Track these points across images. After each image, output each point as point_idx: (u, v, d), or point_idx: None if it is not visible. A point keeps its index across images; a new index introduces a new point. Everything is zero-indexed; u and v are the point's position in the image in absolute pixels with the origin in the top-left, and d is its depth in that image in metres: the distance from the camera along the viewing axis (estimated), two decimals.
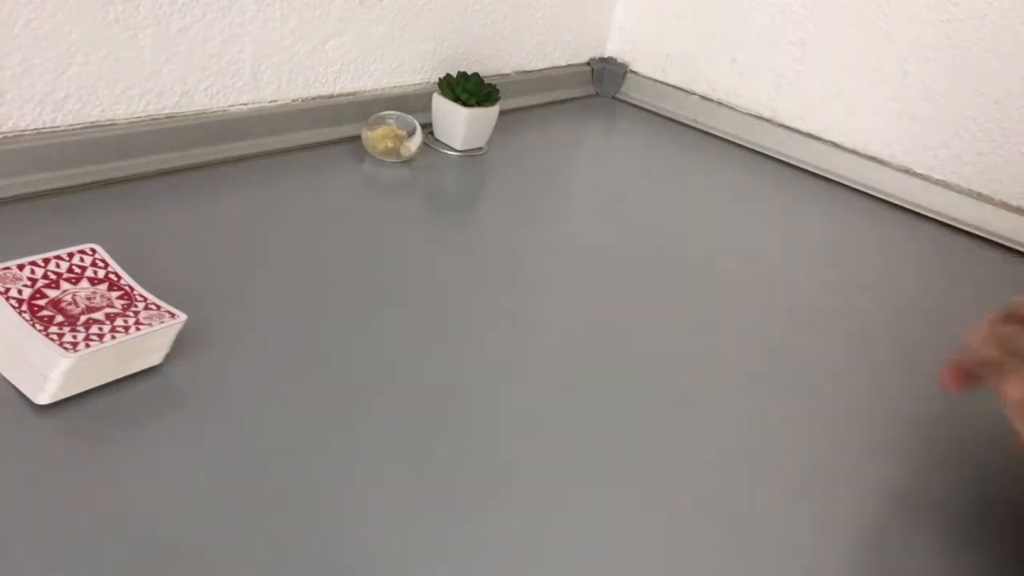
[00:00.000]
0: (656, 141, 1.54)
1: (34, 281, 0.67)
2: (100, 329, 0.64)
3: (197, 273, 0.82)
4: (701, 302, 0.99)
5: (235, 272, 0.84)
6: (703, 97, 1.61)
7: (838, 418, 0.82)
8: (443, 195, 1.16)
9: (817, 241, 1.24)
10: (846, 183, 1.45)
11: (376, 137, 1.16)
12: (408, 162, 1.19)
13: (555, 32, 1.57)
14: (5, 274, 0.66)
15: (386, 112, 1.18)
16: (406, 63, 1.29)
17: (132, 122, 0.98)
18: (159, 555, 0.52)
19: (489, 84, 1.25)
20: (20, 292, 0.65)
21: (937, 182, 1.37)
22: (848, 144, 1.46)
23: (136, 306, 0.68)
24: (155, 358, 0.68)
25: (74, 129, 0.93)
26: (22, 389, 0.62)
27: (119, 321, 0.66)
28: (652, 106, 1.68)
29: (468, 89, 1.22)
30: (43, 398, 0.61)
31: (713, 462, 0.72)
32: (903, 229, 1.34)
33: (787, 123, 1.52)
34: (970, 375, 0.70)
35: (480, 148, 1.29)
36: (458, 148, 1.26)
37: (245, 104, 1.09)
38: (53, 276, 0.68)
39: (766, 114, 1.54)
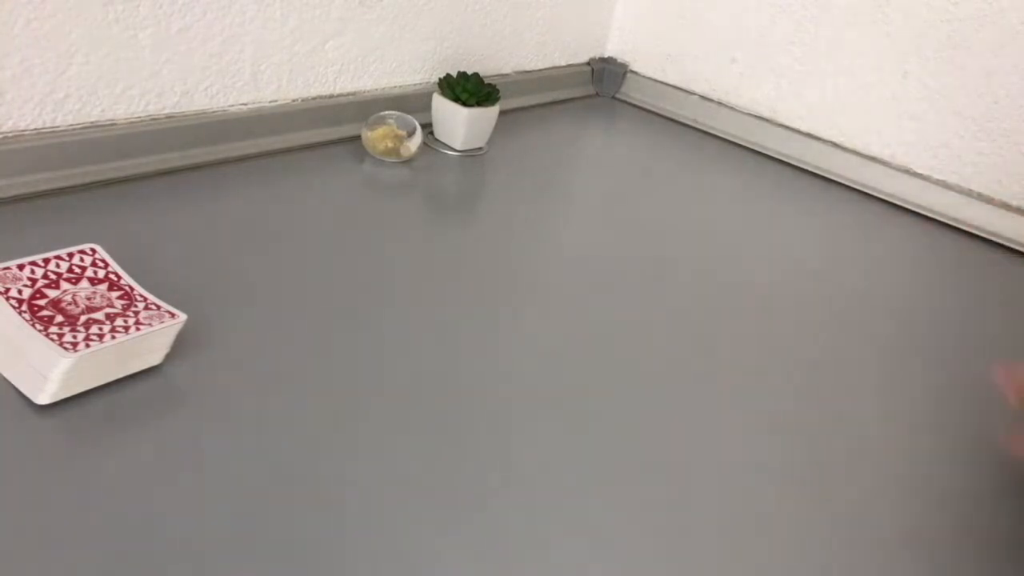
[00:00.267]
0: (656, 141, 1.54)
1: (34, 281, 0.67)
2: (100, 329, 0.64)
3: (197, 273, 0.82)
4: (701, 302, 0.99)
5: (235, 272, 0.84)
6: (703, 97, 1.61)
7: (838, 417, 0.82)
8: (443, 195, 1.16)
9: (817, 241, 1.24)
10: (846, 183, 1.45)
11: (376, 137, 1.16)
12: (408, 162, 1.19)
13: (555, 32, 1.57)
14: (5, 274, 0.66)
15: (386, 112, 1.18)
16: (406, 63, 1.29)
17: (132, 122, 0.98)
18: (159, 554, 0.52)
19: (489, 84, 1.25)
20: (20, 292, 0.65)
21: (937, 182, 1.37)
22: (848, 144, 1.46)
23: (136, 306, 0.68)
24: (155, 358, 0.68)
25: (74, 129, 0.93)
26: (22, 389, 0.62)
27: (119, 321, 0.66)
28: (652, 106, 1.68)
29: (468, 89, 1.22)
30: (43, 398, 0.61)
31: (713, 461, 0.72)
32: (903, 229, 1.34)
33: (787, 123, 1.52)
34: None
35: (480, 148, 1.29)
36: (458, 148, 1.26)
37: (245, 104, 1.09)
38: (53, 276, 0.68)
39: (766, 114, 1.54)
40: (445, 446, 0.67)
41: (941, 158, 1.37)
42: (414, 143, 1.17)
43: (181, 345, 0.69)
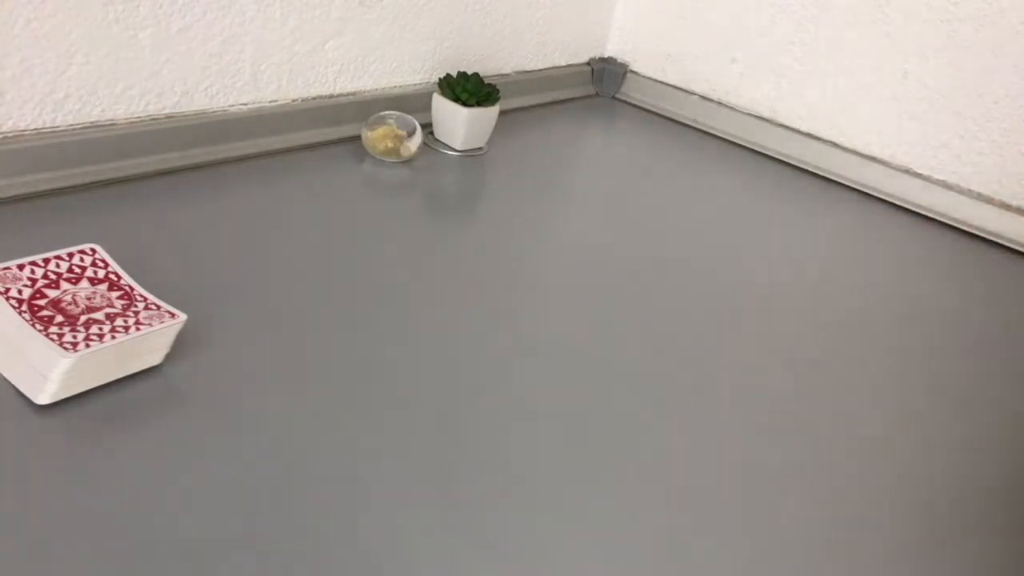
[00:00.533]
0: (656, 141, 1.54)
1: (34, 281, 0.67)
2: (100, 329, 0.64)
3: (197, 273, 0.82)
4: (701, 301, 0.99)
5: (235, 272, 0.84)
6: (703, 97, 1.61)
7: (838, 416, 0.82)
8: (443, 195, 1.16)
9: (816, 241, 1.24)
10: (846, 183, 1.45)
11: (376, 137, 1.16)
12: (408, 162, 1.19)
13: (555, 32, 1.57)
14: (5, 274, 0.66)
15: (386, 112, 1.18)
16: (406, 63, 1.29)
17: (132, 122, 0.98)
18: (159, 554, 0.52)
19: (489, 84, 1.25)
20: (20, 292, 0.65)
21: (937, 182, 1.37)
22: (848, 144, 1.46)
23: (136, 306, 0.68)
24: (155, 358, 0.68)
25: (74, 129, 0.93)
26: (22, 389, 0.62)
27: (119, 321, 0.66)
28: (652, 106, 1.68)
29: (468, 89, 1.22)
30: (43, 398, 0.61)
31: (713, 461, 0.72)
32: (903, 229, 1.34)
33: (787, 123, 1.52)
34: None
35: (480, 148, 1.29)
36: (458, 148, 1.26)
37: (245, 104, 1.09)
38: (53, 276, 0.68)
39: (766, 114, 1.54)
40: (445, 445, 0.67)
41: (941, 158, 1.37)
42: (414, 143, 1.17)
43: (181, 345, 0.69)
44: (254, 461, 0.61)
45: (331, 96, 1.20)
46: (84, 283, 0.69)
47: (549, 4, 1.51)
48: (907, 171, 1.40)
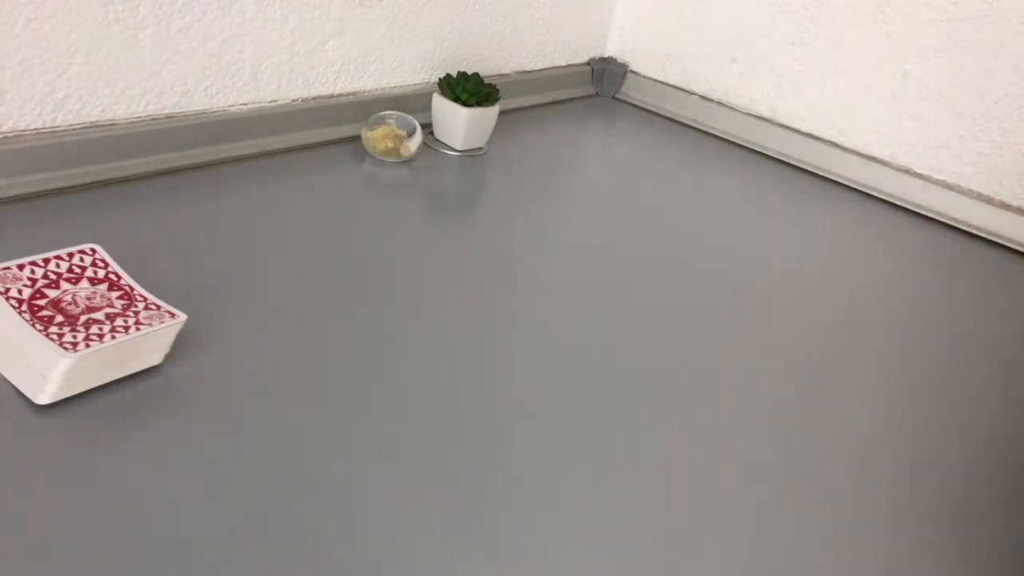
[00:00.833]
0: (656, 141, 1.54)
1: (34, 281, 0.67)
2: (100, 329, 0.64)
3: (197, 273, 0.82)
4: (701, 301, 0.99)
5: (235, 272, 0.84)
6: (703, 97, 1.61)
7: (838, 416, 0.82)
8: (443, 195, 1.16)
9: (816, 241, 1.24)
10: (846, 183, 1.45)
11: (376, 137, 1.16)
12: (408, 162, 1.19)
13: (555, 32, 1.57)
14: (5, 274, 0.66)
15: (386, 112, 1.18)
16: (406, 63, 1.29)
17: (132, 122, 0.98)
18: (159, 554, 0.52)
19: (489, 84, 1.25)
20: (20, 292, 0.65)
21: (937, 182, 1.37)
22: (848, 144, 1.46)
23: (136, 306, 0.68)
24: (155, 358, 0.68)
25: (74, 129, 0.93)
26: (22, 389, 0.62)
27: (119, 321, 0.66)
28: (652, 106, 1.68)
29: (468, 89, 1.22)
30: (43, 398, 0.61)
31: (713, 461, 0.72)
32: (903, 229, 1.34)
33: (787, 123, 1.52)
34: None
35: (480, 148, 1.29)
36: (458, 148, 1.26)
37: (245, 104, 1.09)
38: (53, 276, 0.68)
39: (766, 114, 1.54)
40: (445, 444, 0.67)
41: (941, 158, 1.37)
42: (414, 143, 1.17)
43: (181, 345, 0.69)
44: (254, 461, 0.61)
45: (331, 96, 1.20)
46: (84, 283, 0.69)
47: (549, 4, 1.51)
48: (907, 171, 1.40)
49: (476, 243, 1.03)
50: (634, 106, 1.70)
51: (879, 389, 0.89)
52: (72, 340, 0.62)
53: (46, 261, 0.69)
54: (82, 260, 0.71)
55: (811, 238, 1.25)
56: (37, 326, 0.62)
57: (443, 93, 1.23)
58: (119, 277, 0.71)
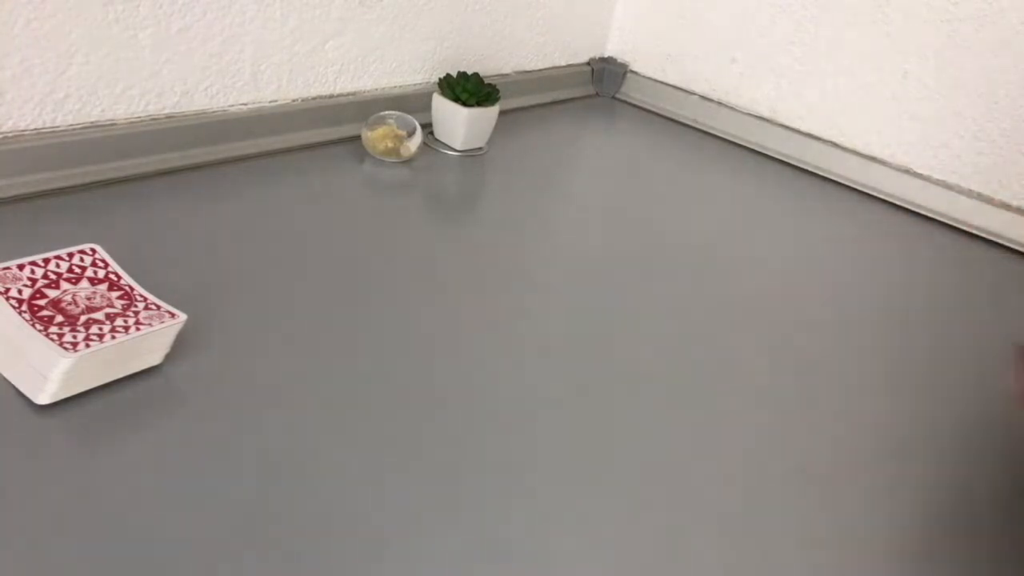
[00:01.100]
0: (656, 141, 1.54)
1: (34, 281, 0.67)
2: (100, 329, 0.64)
3: (197, 273, 0.82)
4: (700, 301, 0.99)
5: (235, 272, 0.84)
6: (703, 97, 1.61)
7: (838, 416, 0.82)
8: (443, 195, 1.16)
9: (817, 241, 1.24)
10: (846, 183, 1.45)
11: (376, 137, 1.16)
12: (408, 162, 1.19)
13: (555, 32, 1.57)
14: (5, 274, 0.66)
15: (386, 112, 1.18)
16: (406, 63, 1.29)
17: (132, 122, 0.98)
18: (159, 554, 0.52)
19: (489, 84, 1.25)
20: (20, 292, 0.65)
21: (937, 182, 1.37)
22: (848, 144, 1.46)
23: (136, 306, 0.68)
24: (155, 358, 0.68)
25: (74, 129, 0.93)
26: (22, 389, 0.62)
27: (119, 321, 0.66)
28: (652, 106, 1.68)
29: (468, 89, 1.22)
30: (43, 398, 0.61)
31: (713, 461, 0.72)
32: (903, 229, 1.34)
33: (787, 123, 1.52)
34: None
35: (480, 148, 1.29)
36: (458, 148, 1.26)
37: (245, 104, 1.09)
38: (53, 276, 0.68)
39: (766, 114, 1.54)
40: (445, 444, 0.67)
41: (941, 158, 1.37)
42: (414, 143, 1.17)
43: (181, 345, 0.69)
44: (254, 461, 0.61)
45: (331, 96, 1.20)
46: (84, 283, 0.69)
47: (549, 4, 1.51)
48: (907, 171, 1.40)
49: (476, 243, 1.03)
50: (634, 106, 1.70)
51: (879, 388, 0.89)
52: (72, 340, 0.62)
53: (46, 261, 0.69)
54: (82, 260, 0.71)
55: (811, 238, 1.25)
56: (37, 326, 0.62)
57: (443, 93, 1.23)
58: (119, 277, 0.71)
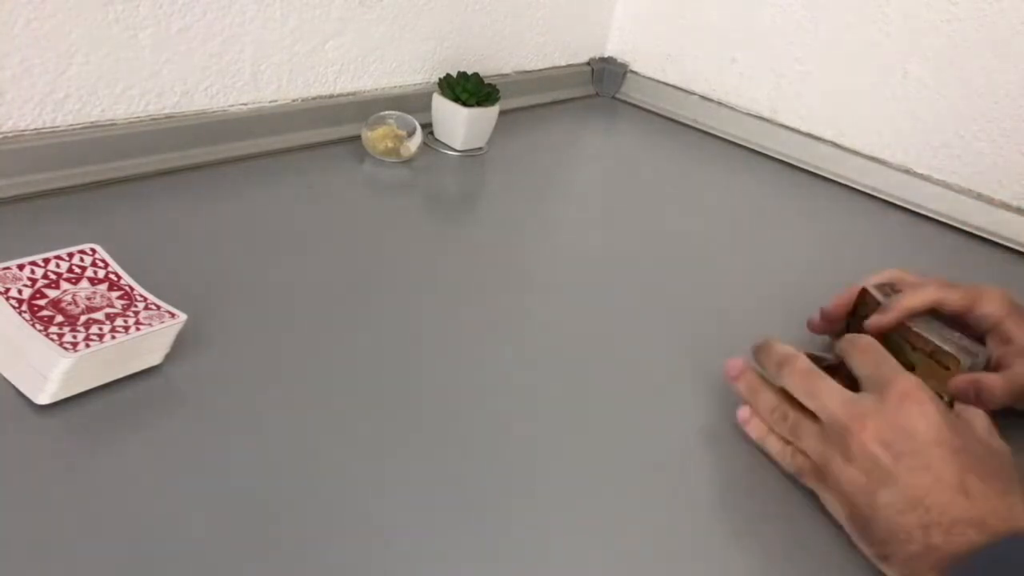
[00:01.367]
0: (656, 141, 1.54)
1: (34, 281, 0.67)
2: (100, 329, 0.64)
3: (197, 273, 0.82)
4: (700, 302, 0.99)
5: (235, 272, 0.84)
6: (703, 97, 1.61)
7: None
8: (443, 195, 1.16)
9: (817, 241, 1.24)
10: (846, 183, 1.45)
11: (376, 137, 1.16)
12: (408, 162, 1.19)
13: (555, 32, 1.57)
14: (5, 274, 0.66)
15: (386, 112, 1.18)
16: (406, 63, 1.29)
17: (132, 122, 0.98)
18: (159, 555, 0.52)
19: (489, 84, 1.25)
20: (20, 292, 0.65)
21: (937, 182, 1.37)
22: (848, 144, 1.46)
23: (136, 306, 0.68)
24: (155, 358, 0.68)
25: (74, 129, 0.93)
26: (22, 389, 0.62)
27: (119, 321, 0.66)
28: (652, 106, 1.68)
29: (468, 89, 1.22)
30: (43, 398, 0.61)
31: (713, 460, 0.72)
32: (903, 229, 1.34)
33: (787, 123, 1.52)
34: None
35: (480, 148, 1.29)
36: (458, 148, 1.26)
37: (245, 104, 1.09)
38: (53, 276, 0.68)
39: (766, 114, 1.54)
40: (446, 446, 0.67)
41: (941, 158, 1.37)
42: (414, 143, 1.17)
43: (181, 345, 0.69)
44: (254, 461, 0.61)
45: (331, 96, 1.20)
46: (84, 283, 0.69)
47: (549, 4, 1.51)
48: (907, 171, 1.40)
49: (476, 243, 1.04)
50: (634, 106, 1.70)
51: None
52: (72, 340, 0.62)
53: (46, 261, 0.69)
54: (82, 260, 0.71)
55: (811, 238, 1.25)
56: (37, 326, 0.62)
57: (443, 93, 1.23)
58: (119, 277, 0.71)
